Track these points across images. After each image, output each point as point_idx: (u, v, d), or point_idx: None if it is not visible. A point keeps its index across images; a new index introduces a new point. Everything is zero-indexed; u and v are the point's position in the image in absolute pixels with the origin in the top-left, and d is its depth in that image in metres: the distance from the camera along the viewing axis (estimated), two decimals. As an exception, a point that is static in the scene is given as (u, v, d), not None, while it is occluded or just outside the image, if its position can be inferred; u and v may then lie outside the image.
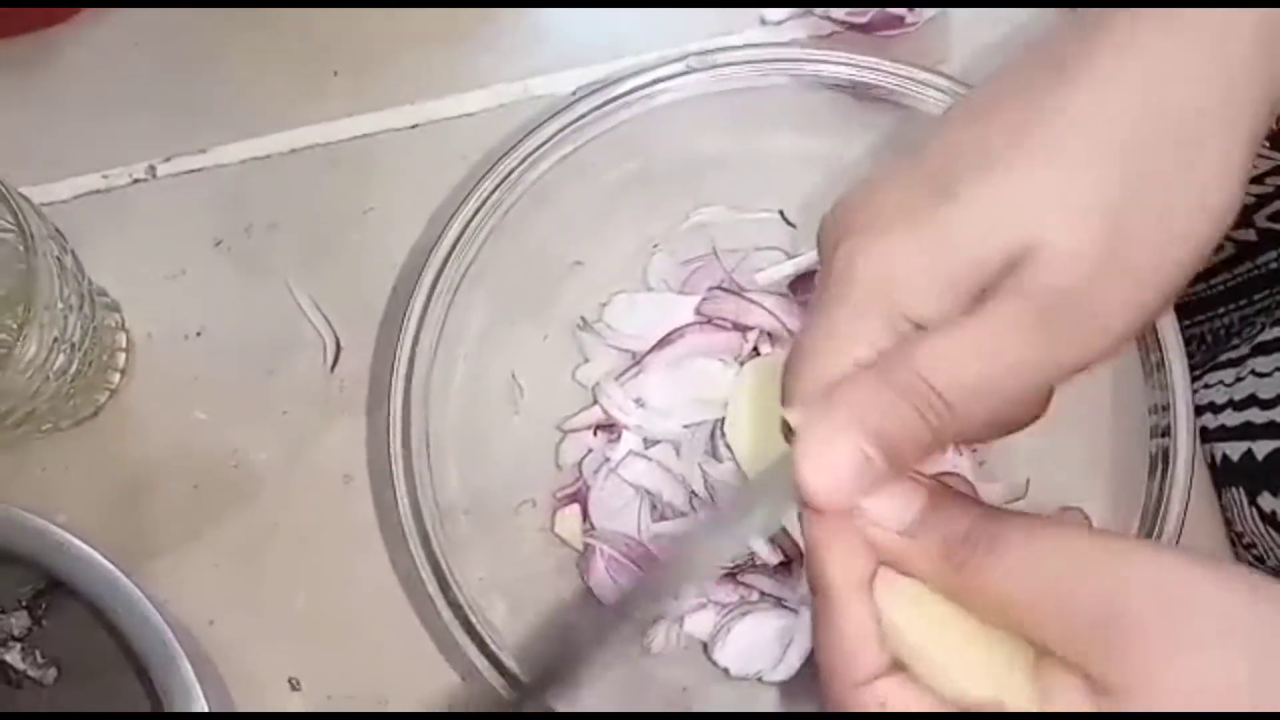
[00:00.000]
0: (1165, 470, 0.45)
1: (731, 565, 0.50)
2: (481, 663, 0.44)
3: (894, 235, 0.32)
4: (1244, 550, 0.52)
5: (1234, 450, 0.52)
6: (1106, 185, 0.31)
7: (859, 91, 0.48)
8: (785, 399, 0.34)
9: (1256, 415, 0.52)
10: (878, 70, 0.47)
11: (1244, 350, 0.56)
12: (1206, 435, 0.53)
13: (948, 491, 0.33)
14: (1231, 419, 0.53)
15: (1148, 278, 0.31)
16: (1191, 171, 0.31)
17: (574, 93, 0.48)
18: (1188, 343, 0.45)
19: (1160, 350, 0.45)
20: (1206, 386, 0.55)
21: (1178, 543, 0.44)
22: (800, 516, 0.33)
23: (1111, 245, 0.31)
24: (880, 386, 0.31)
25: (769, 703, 0.49)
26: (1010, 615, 0.31)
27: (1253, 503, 0.50)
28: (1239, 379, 0.54)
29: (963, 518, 0.32)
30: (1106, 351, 0.32)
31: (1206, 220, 0.32)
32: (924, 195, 0.32)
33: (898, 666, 0.32)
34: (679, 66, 0.47)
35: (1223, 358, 0.57)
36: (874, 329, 0.32)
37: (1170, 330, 0.45)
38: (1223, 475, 0.52)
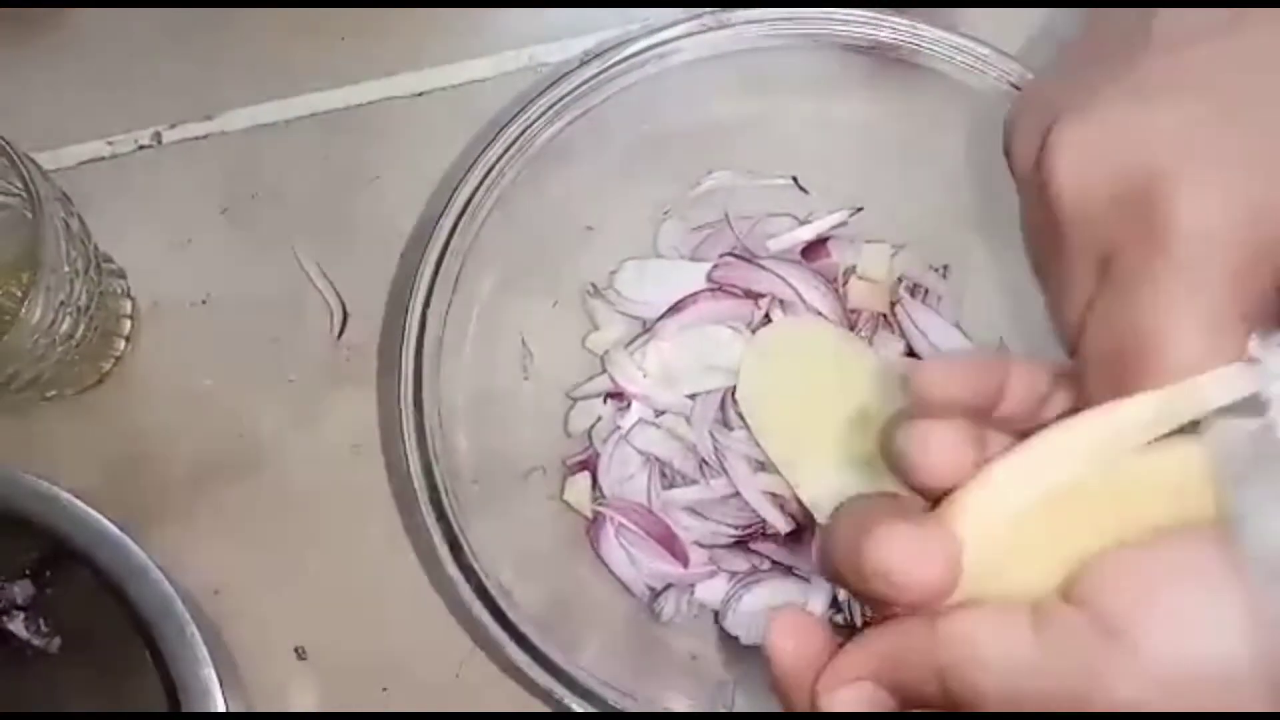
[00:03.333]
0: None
1: (741, 533, 0.50)
2: (494, 628, 0.44)
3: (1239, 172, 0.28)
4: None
5: None
6: None
7: (878, 53, 0.47)
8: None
9: None
10: (897, 30, 0.46)
11: None
12: None
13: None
14: None
15: None
16: None
17: (583, 54, 0.48)
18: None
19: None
20: None
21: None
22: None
23: None
24: None
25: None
26: None
27: None
28: None
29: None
30: None
31: None
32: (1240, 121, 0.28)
33: None
34: (693, 25, 0.46)
35: None
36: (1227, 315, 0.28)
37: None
38: None
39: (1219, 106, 0.29)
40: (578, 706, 0.43)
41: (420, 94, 0.56)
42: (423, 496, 0.45)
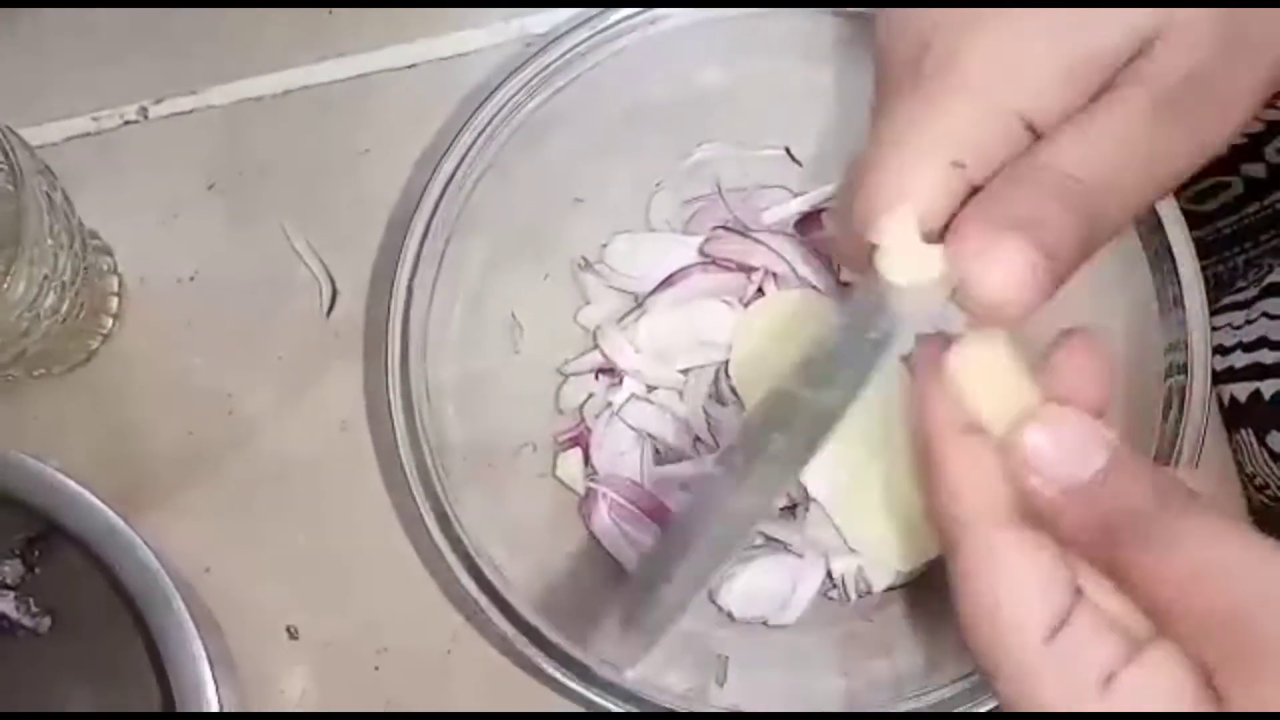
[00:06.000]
0: (1181, 409, 0.44)
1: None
2: (485, 604, 0.43)
3: (1002, 23, 0.30)
4: (1257, 491, 0.52)
5: (1242, 391, 0.51)
6: None
7: (872, 20, 0.46)
8: (867, 215, 0.30)
9: (1266, 356, 0.51)
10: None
11: (1253, 292, 0.55)
12: (1215, 378, 0.52)
13: (1128, 451, 0.28)
14: (1240, 360, 0.52)
15: (1263, 55, 0.30)
16: None
17: (567, 21, 0.47)
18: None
19: (1178, 285, 0.44)
20: (1214, 329, 0.55)
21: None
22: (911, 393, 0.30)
23: (1229, 22, 0.30)
24: (1027, 185, 0.29)
25: (774, 646, 0.49)
26: (1150, 604, 0.27)
27: (1262, 443, 0.50)
28: (1249, 321, 0.53)
29: (1139, 493, 0.27)
30: (1227, 138, 0.31)
31: None
32: None
33: None
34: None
35: (1228, 300, 0.56)
36: (985, 128, 0.30)
37: (1189, 264, 0.44)
38: (1232, 417, 0.52)
39: None
40: (568, 683, 0.43)
41: (409, 66, 0.56)
42: (411, 474, 0.45)
